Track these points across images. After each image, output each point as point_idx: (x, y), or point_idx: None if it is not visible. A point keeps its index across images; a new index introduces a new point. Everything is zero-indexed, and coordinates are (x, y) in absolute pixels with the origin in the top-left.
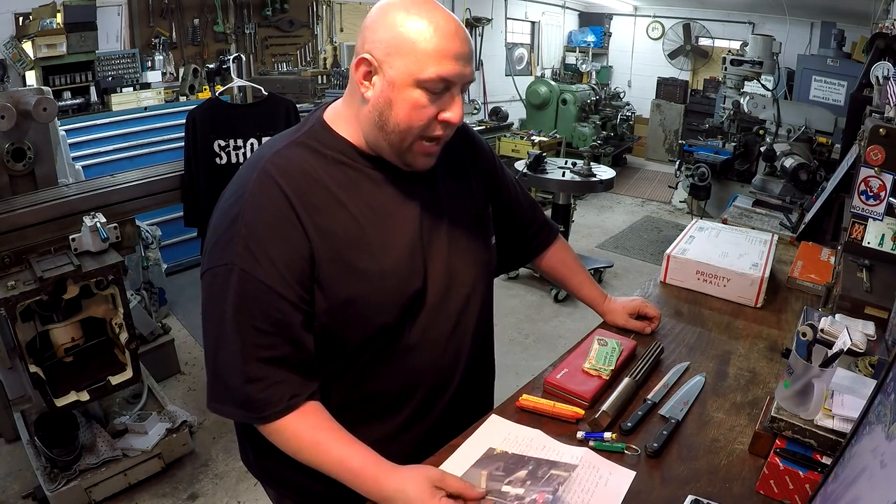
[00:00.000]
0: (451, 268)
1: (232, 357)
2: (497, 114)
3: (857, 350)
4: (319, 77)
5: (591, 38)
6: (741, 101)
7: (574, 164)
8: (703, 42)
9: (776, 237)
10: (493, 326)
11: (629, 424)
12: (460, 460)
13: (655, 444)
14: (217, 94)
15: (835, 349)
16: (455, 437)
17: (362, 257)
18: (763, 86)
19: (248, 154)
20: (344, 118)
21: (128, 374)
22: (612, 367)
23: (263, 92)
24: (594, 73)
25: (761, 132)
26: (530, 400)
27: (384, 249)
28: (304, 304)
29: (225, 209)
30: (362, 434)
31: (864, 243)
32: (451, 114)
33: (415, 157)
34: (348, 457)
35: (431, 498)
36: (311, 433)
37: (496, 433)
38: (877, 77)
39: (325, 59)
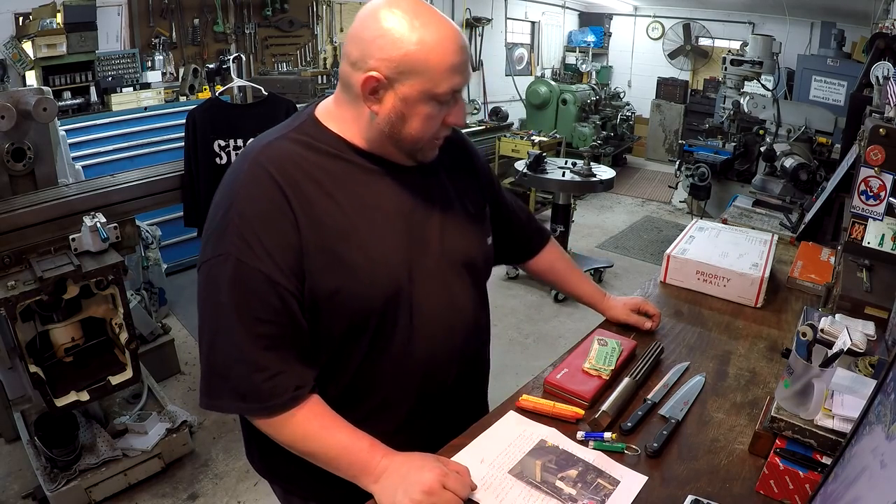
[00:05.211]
0: (444, 264)
1: (233, 347)
2: (497, 114)
3: (857, 350)
4: (319, 77)
5: (591, 38)
6: (741, 101)
7: (574, 164)
8: (703, 42)
9: (776, 237)
10: (489, 325)
11: (629, 424)
12: (475, 452)
13: (655, 444)
14: (217, 94)
15: (835, 349)
16: (452, 439)
17: (350, 249)
18: (763, 86)
19: None
20: (337, 118)
21: (128, 374)
22: (612, 367)
23: (263, 92)
24: (594, 73)
25: (761, 132)
26: (530, 400)
27: (372, 242)
28: (298, 292)
29: (218, 201)
30: None
31: (864, 243)
32: (456, 118)
33: (425, 154)
34: (354, 440)
35: (441, 470)
36: (317, 421)
37: (512, 429)
38: (877, 77)
39: (325, 59)
